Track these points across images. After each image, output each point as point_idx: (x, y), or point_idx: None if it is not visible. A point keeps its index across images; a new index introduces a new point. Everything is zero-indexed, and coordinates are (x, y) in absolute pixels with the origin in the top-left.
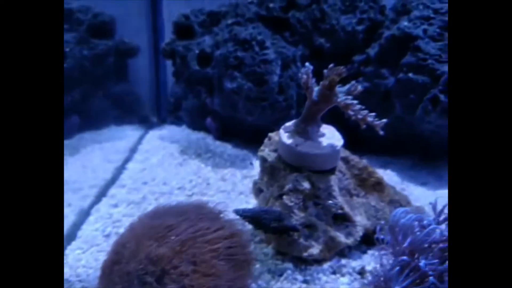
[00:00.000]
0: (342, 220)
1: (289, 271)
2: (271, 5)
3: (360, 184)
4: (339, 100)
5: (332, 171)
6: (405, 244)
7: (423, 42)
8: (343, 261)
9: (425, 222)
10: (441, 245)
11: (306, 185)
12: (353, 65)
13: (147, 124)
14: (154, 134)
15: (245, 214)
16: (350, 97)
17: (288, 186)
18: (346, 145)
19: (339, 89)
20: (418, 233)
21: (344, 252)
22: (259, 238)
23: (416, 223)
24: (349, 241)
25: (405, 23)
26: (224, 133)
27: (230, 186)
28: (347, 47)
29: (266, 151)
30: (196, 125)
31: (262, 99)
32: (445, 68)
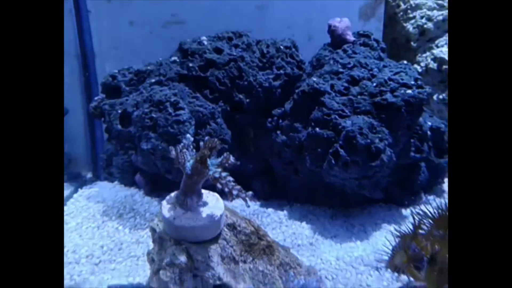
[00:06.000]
0: None
1: None
2: (190, 64)
3: (247, 250)
4: (210, 173)
5: (214, 240)
6: None
7: (328, 97)
8: None
9: None
10: None
11: (182, 258)
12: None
13: (78, 181)
14: (83, 193)
15: None
16: (219, 170)
17: (165, 261)
18: (273, 195)
19: (212, 161)
20: None
21: None
22: None
23: None
24: None
25: (314, 79)
26: (154, 188)
27: (142, 250)
28: (266, 101)
29: (155, 221)
30: (127, 181)
31: None
32: (347, 123)
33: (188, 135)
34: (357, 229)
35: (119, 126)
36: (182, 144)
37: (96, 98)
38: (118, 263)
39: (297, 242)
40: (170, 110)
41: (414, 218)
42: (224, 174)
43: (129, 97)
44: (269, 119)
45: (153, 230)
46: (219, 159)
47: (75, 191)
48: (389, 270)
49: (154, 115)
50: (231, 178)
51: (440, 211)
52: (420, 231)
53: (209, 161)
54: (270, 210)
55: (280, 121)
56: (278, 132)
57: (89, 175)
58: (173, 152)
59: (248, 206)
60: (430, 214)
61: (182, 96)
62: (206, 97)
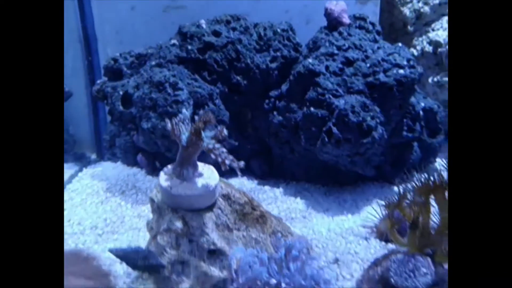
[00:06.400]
0: (217, 255)
1: None
2: (189, 47)
3: (241, 219)
4: (204, 145)
5: (209, 208)
6: (241, 281)
7: (323, 78)
8: None
9: (264, 258)
10: (273, 282)
11: (178, 224)
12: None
13: (83, 162)
14: (87, 172)
15: (117, 254)
16: (213, 141)
17: (163, 227)
18: (271, 174)
19: (206, 134)
20: (257, 269)
21: (219, 285)
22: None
23: (256, 259)
24: (223, 274)
25: (310, 60)
26: (155, 168)
27: (143, 222)
28: (263, 83)
29: (154, 192)
30: (129, 161)
31: None
32: (340, 102)
33: (184, 110)
34: (349, 204)
35: (121, 107)
36: (178, 118)
37: (98, 81)
38: (120, 234)
39: (290, 215)
40: (169, 90)
41: (399, 188)
42: (217, 145)
43: (130, 80)
44: (266, 101)
45: (152, 200)
46: (213, 132)
47: (80, 170)
48: (377, 239)
49: (154, 96)
50: (224, 149)
51: (423, 180)
52: (405, 200)
53: (203, 134)
54: (266, 187)
55: (277, 102)
56: (275, 113)
57: (93, 156)
58: (169, 125)
59: (240, 175)
60: (414, 183)
61: (181, 77)
62: (204, 79)
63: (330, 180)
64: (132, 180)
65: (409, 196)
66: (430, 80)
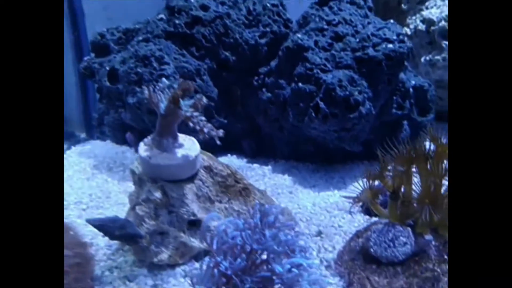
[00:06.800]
0: (198, 226)
1: (141, 277)
2: (177, 21)
3: (223, 191)
4: (183, 113)
5: (189, 179)
6: (213, 247)
7: (312, 53)
8: (197, 264)
9: (239, 224)
10: (247, 247)
11: (157, 195)
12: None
13: (71, 140)
14: (75, 150)
15: (93, 223)
16: (191, 109)
17: (142, 197)
18: (260, 153)
19: (185, 102)
20: (231, 235)
21: (201, 256)
22: (115, 247)
23: (230, 225)
24: (204, 245)
25: (299, 35)
26: None
27: None
28: (252, 59)
29: (135, 163)
30: (118, 139)
31: None
32: (328, 77)
33: (163, 79)
34: (336, 180)
35: (107, 83)
36: (158, 86)
37: (85, 58)
38: (105, 209)
39: (277, 191)
40: (155, 64)
41: (380, 158)
42: (196, 113)
43: (117, 55)
44: (255, 77)
45: (133, 172)
46: (192, 101)
47: (68, 148)
48: (362, 214)
49: (139, 70)
50: (203, 118)
51: (404, 150)
52: (387, 171)
53: (182, 102)
54: (255, 165)
55: (266, 79)
56: (264, 89)
57: (83, 135)
58: (146, 92)
59: (219, 144)
60: (394, 153)
61: (167, 52)
62: (192, 55)
63: (319, 158)
64: (120, 157)
65: (390, 167)
66: (422, 59)
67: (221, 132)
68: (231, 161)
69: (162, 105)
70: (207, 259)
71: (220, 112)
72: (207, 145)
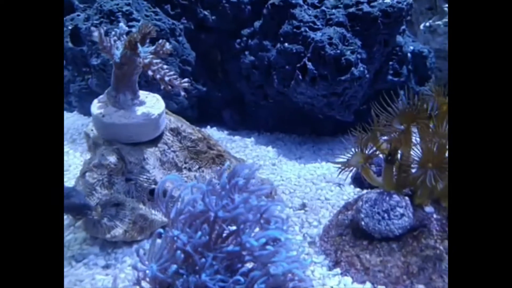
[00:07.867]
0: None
1: (92, 256)
2: None
3: (193, 157)
4: (141, 60)
5: (152, 142)
6: (172, 215)
7: (300, 10)
8: (159, 240)
9: (201, 187)
10: (211, 216)
11: (111, 159)
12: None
13: None
14: None
15: None
16: (151, 56)
17: (93, 162)
18: (243, 125)
19: (145, 49)
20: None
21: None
22: (66, 222)
23: (191, 190)
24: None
25: None
26: None
27: None
28: (234, 20)
29: (90, 126)
30: (86, 110)
31: None
32: (317, 35)
33: (121, 24)
34: (325, 152)
35: (70, 44)
36: (114, 32)
37: None
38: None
39: (259, 163)
40: (122, 21)
41: (373, 118)
42: (156, 60)
43: (82, 14)
44: (238, 40)
45: (87, 135)
46: (153, 47)
47: None
48: (352, 186)
49: (104, 27)
50: (165, 66)
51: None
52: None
53: (140, 48)
54: (237, 137)
55: (249, 41)
56: (246, 52)
57: None
58: (95, 34)
59: (184, 96)
60: (393, 109)
61: (137, 8)
62: (167, 13)
63: (307, 130)
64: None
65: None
66: (422, 26)
67: (185, 81)
68: (211, 133)
69: (118, 52)
70: (161, 230)
71: (198, 78)
72: (180, 114)
